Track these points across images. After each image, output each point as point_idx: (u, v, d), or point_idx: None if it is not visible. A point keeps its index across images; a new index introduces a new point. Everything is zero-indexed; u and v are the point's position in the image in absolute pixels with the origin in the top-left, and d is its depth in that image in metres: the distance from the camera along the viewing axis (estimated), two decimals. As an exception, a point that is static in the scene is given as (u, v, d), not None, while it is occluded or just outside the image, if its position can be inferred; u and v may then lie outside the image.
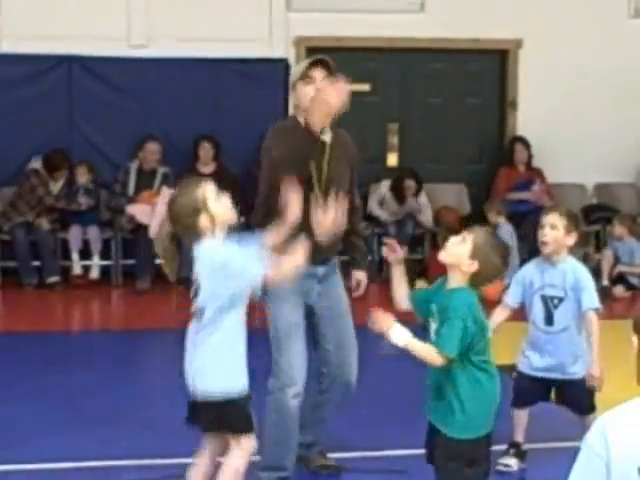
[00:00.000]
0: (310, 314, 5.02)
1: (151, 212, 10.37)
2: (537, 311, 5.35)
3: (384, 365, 6.88)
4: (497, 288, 7.00)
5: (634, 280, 10.76)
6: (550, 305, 5.30)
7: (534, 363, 5.35)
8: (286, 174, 4.48)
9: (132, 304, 10.29)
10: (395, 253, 4.29)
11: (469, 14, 11.71)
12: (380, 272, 10.64)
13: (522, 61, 11.99)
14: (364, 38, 11.53)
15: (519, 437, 5.44)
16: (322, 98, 4.62)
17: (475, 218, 11.51)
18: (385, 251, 4.33)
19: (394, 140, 12.17)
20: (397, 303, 4.29)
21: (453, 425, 4.04)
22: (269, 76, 11.24)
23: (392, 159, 12.18)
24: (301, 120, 4.82)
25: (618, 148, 11.99)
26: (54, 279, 10.63)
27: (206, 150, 11.10)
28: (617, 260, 10.83)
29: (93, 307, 10.53)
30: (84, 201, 10.84)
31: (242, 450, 4.34)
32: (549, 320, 5.31)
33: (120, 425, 6.01)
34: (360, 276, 5.26)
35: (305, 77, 4.92)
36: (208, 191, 4.29)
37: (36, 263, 10.71)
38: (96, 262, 10.96)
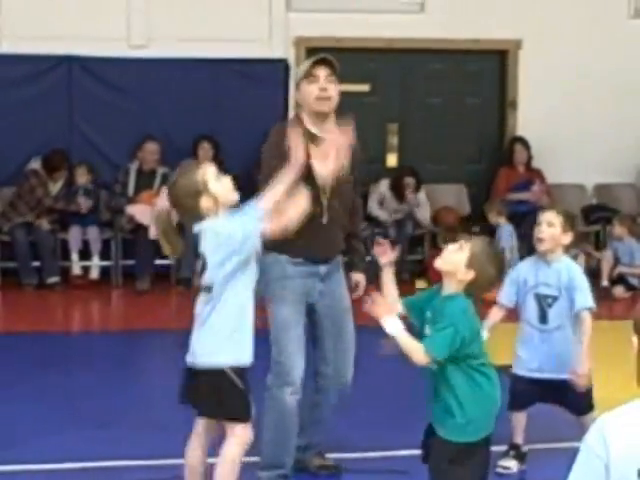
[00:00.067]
0: (311, 312, 5.04)
1: (151, 212, 10.36)
2: (531, 309, 5.33)
3: (384, 365, 6.88)
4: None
5: (634, 281, 10.75)
6: (544, 304, 5.28)
7: (528, 364, 5.33)
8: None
9: (132, 305, 10.29)
10: (386, 255, 4.29)
11: (469, 14, 11.71)
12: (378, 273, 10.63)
13: (522, 61, 11.98)
14: (364, 38, 11.52)
15: (518, 439, 5.43)
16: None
17: (475, 218, 11.52)
18: (377, 251, 4.32)
19: (394, 140, 12.16)
20: None
21: (451, 427, 4.03)
22: (269, 76, 11.24)
23: (392, 159, 12.16)
24: (303, 117, 4.88)
25: (618, 148, 11.99)
26: (54, 279, 10.62)
27: (206, 150, 11.08)
28: (617, 261, 10.84)
29: (93, 308, 10.52)
30: (83, 203, 10.83)
31: (238, 438, 4.32)
32: (543, 319, 5.29)
33: (120, 426, 6.01)
34: (359, 278, 5.29)
35: (309, 75, 4.94)
36: (208, 173, 4.29)
37: (36, 263, 10.70)
38: (96, 262, 10.96)
